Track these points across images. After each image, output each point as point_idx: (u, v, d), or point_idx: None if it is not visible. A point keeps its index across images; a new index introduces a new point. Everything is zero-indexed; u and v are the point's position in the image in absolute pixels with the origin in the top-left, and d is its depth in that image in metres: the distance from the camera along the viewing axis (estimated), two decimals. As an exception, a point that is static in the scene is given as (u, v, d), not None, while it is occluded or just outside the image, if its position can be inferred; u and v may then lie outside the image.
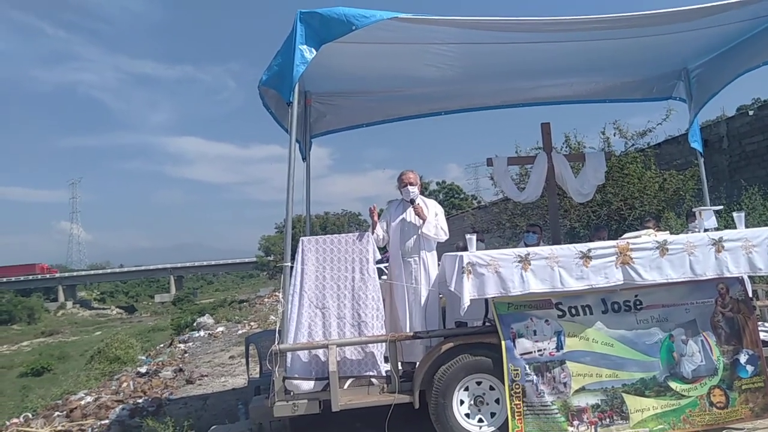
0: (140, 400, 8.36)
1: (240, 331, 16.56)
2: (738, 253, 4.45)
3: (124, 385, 10.15)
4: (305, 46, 4.31)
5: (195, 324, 22.27)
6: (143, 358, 15.38)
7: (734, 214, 4.84)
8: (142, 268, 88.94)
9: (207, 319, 22.50)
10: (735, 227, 4.74)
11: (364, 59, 5.46)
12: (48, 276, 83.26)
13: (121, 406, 7.91)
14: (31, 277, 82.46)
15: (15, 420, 9.04)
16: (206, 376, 9.94)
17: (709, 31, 5.34)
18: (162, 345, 19.35)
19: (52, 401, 10.28)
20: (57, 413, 8.43)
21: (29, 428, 7.74)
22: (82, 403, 8.90)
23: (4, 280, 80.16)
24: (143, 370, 11.88)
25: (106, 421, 7.24)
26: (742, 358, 4.42)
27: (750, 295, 4.68)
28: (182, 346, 15.99)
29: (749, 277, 4.76)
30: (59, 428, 7.44)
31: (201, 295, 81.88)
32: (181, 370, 10.88)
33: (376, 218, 4.97)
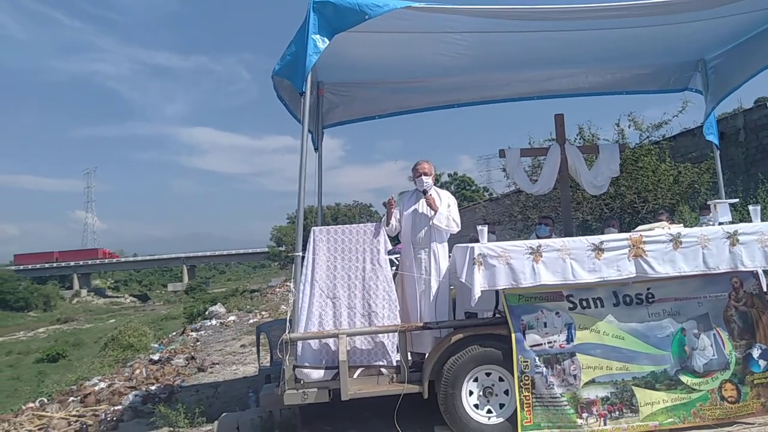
0: (153, 387, 8.47)
1: (251, 320, 16.69)
2: (753, 247, 4.40)
3: (137, 372, 10.28)
4: (318, 36, 4.30)
5: (207, 313, 22.46)
6: (156, 345, 15.56)
7: (750, 207, 4.78)
8: (156, 257, 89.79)
9: (219, 308, 22.69)
10: (751, 221, 4.68)
11: (377, 49, 5.44)
12: (73, 264, 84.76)
13: (134, 393, 8.00)
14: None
15: (31, 404, 9.21)
16: (217, 364, 10.05)
17: (727, 20, 5.25)
18: (174, 333, 19.55)
19: (67, 387, 10.46)
20: (71, 399, 8.57)
21: (45, 413, 7.88)
22: (96, 389, 9.04)
23: (64, 264, 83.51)
24: (156, 357, 12.03)
25: (119, 407, 7.34)
26: (755, 353, 4.38)
27: (764, 289, 4.63)
28: (194, 334, 16.15)
29: (764, 271, 4.70)
30: (74, 413, 7.56)
31: (213, 284, 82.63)
32: (192, 357, 11.00)
33: (393, 209, 4.93)
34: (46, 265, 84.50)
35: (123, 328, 18.20)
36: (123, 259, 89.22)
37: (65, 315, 58.14)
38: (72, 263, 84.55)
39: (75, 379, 11.35)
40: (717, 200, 5.07)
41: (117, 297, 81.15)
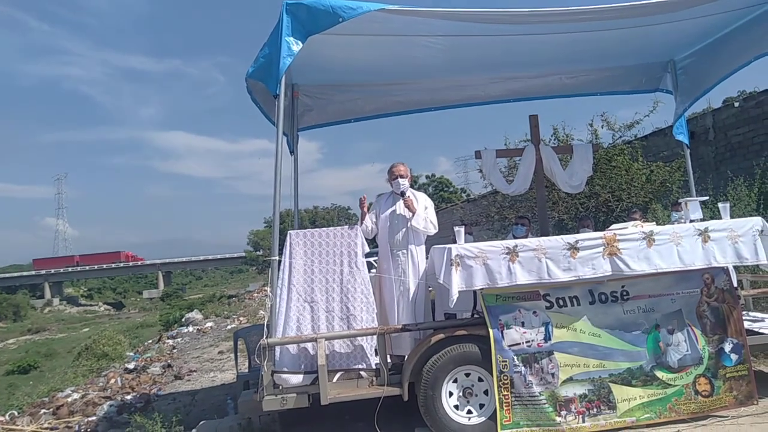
0: (128, 397, 8.31)
1: (229, 326, 16.53)
2: (724, 243, 4.49)
3: (112, 381, 10.09)
4: (292, 38, 4.28)
5: (183, 320, 22.17)
6: (131, 354, 15.30)
7: (719, 205, 4.89)
8: (130, 264, 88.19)
9: (195, 315, 22.43)
10: (720, 218, 4.78)
11: (351, 51, 5.42)
12: (64, 270, 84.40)
13: (108, 403, 7.85)
14: (53, 271, 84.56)
15: (0, 418, 8.93)
16: (195, 371, 9.91)
17: (694, 22, 5.37)
18: (150, 341, 19.25)
19: (39, 399, 10.18)
20: (43, 411, 8.36)
21: (15, 426, 7.65)
22: (69, 400, 8.84)
23: (96, 267, 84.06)
24: (131, 366, 11.83)
25: (94, 418, 7.19)
26: (727, 347, 4.47)
27: (735, 284, 4.73)
28: (171, 341, 15.94)
29: (734, 267, 4.81)
30: (46, 426, 7.37)
31: (189, 290, 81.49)
32: (169, 365, 10.84)
33: (365, 209, 4.95)
34: (70, 269, 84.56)
35: (97, 337, 17.81)
36: (96, 266, 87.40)
37: (37, 325, 56.50)
38: (95, 267, 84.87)
39: (47, 391, 11.05)
40: (688, 198, 5.17)
41: (91, 305, 79.28)
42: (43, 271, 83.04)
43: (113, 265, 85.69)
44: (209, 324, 18.69)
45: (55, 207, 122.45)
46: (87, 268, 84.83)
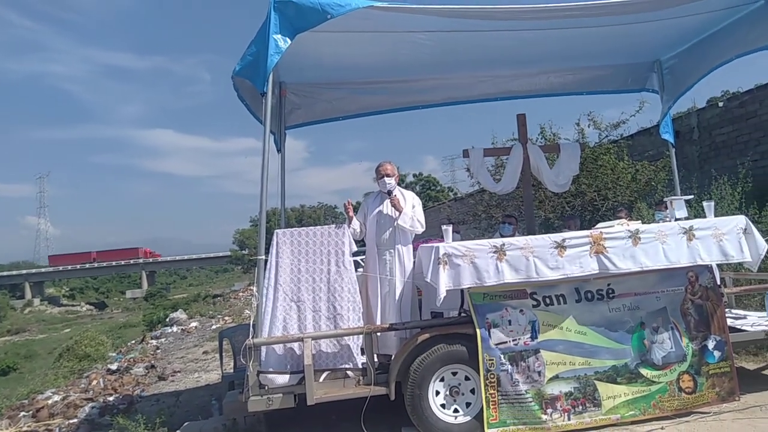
0: (111, 398, 8.19)
1: (214, 326, 16.39)
2: (709, 242, 4.54)
3: (94, 382, 9.94)
4: (279, 36, 4.24)
5: (167, 320, 21.94)
6: (114, 355, 15.10)
7: (704, 204, 4.94)
8: (113, 263, 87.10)
9: (180, 315, 22.21)
10: (705, 216, 4.83)
11: (340, 48, 5.39)
12: (96, 265, 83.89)
13: (90, 405, 7.73)
14: (123, 262, 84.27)
15: (-21, 420, 8.75)
16: (179, 372, 9.81)
17: (680, 21, 5.42)
18: (133, 341, 19.02)
19: (18, 401, 9.98)
20: (23, 413, 8.19)
21: (-6, 429, 7.50)
22: (50, 402, 8.68)
23: (78, 267, 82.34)
24: (114, 367, 11.67)
25: (75, 420, 7.07)
26: (710, 344, 4.52)
27: (718, 282, 4.78)
28: (154, 342, 15.78)
29: (717, 265, 4.86)
30: (25, 429, 7.23)
31: (174, 290, 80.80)
32: (153, 366, 10.72)
33: (351, 213, 4.91)
34: (87, 266, 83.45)
35: (79, 338, 17.52)
36: (78, 266, 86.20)
37: (16, 326, 55.42)
38: (110, 263, 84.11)
39: (26, 393, 10.83)
40: (673, 196, 5.22)
41: (72, 305, 78.01)
42: (24, 271, 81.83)
43: (95, 265, 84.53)
44: (194, 324, 18.52)
45: (36, 206, 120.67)
46: (69, 267, 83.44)
